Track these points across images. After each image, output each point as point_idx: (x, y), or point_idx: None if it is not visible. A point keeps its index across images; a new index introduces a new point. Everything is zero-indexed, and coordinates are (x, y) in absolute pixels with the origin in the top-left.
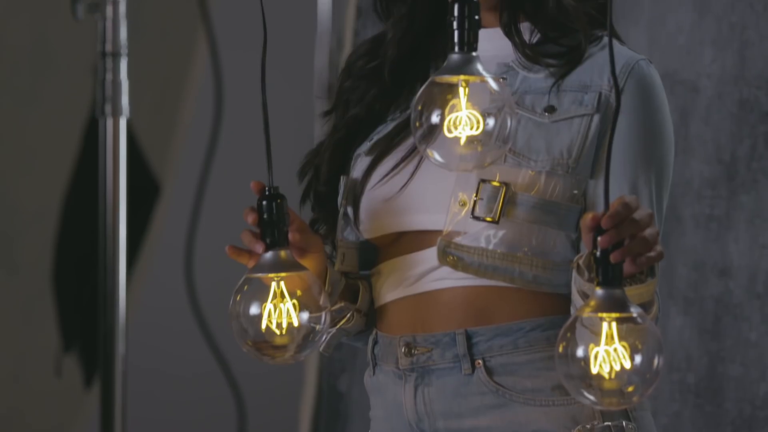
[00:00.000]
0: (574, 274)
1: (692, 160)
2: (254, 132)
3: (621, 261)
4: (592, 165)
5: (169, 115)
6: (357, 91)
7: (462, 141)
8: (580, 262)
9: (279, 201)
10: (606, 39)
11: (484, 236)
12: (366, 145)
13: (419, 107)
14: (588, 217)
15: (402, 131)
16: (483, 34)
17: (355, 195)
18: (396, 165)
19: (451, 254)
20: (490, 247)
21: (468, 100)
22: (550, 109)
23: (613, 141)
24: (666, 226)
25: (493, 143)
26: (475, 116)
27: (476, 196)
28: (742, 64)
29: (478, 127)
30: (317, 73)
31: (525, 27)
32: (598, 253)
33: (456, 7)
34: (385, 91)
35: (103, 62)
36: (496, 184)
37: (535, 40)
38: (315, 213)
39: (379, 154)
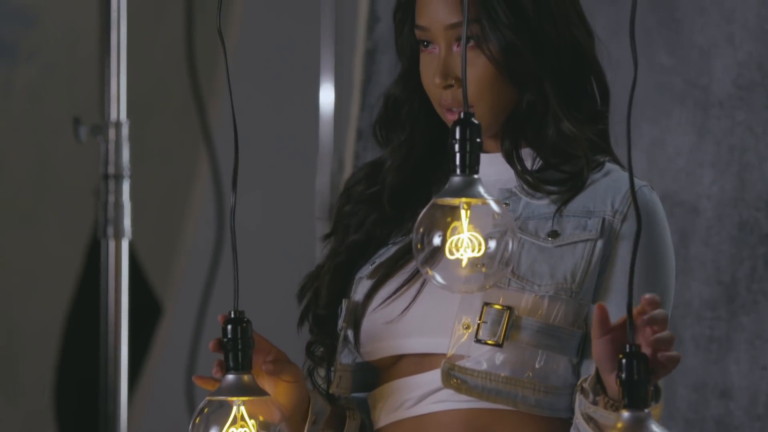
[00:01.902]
0: (579, 396)
1: (692, 281)
2: (255, 254)
3: (646, 383)
4: (595, 290)
5: (171, 237)
6: (357, 216)
7: (464, 263)
8: (585, 384)
9: (243, 325)
10: (608, 165)
11: (488, 360)
12: (368, 269)
13: (421, 229)
14: (603, 321)
15: (404, 255)
16: (485, 158)
17: (356, 318)
18: (398, 288)
19: (455, 377)
20: (494, 370)
21: (470, 222)
22: (554, 234)
23: (618, 267)
24: None
25: (495, 266)
26: (476, 238)
27: (480, 320)
28: (741, 186)
29: (479, 250)
30: (318, 194)
31: (527, 153)
32: (623, 375)
33: (457, 129)
34: (385, 217)
35: (106, 184)
36: (499, 307)
37: (537, 166)
38: (313, 335)
39: (381, 277)
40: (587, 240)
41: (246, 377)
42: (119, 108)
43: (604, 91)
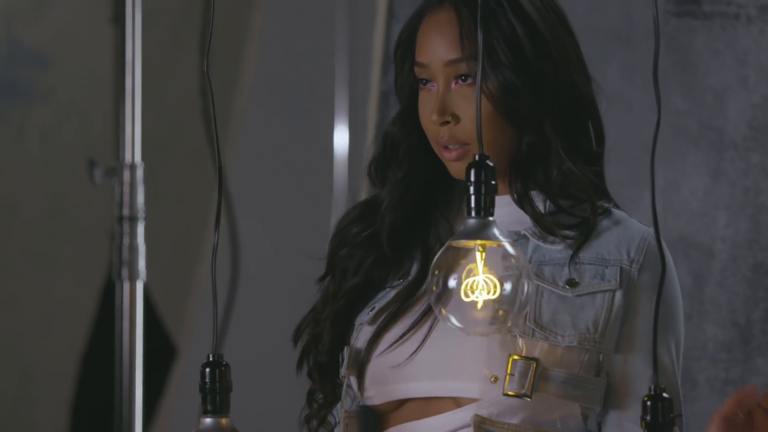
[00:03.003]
0: None
1: (707, 324)
2: (270, 295)
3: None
4: (617, 339)
5: (186, 279)
6: (353, 259)
7: (479, 305)
8: None
9: (221, 368)
10: (616, 213)
11: (515, 412)
12: (368, 314)
13: (436, 271)
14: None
15: (405, 299)
16: None
17: (360, 364)
18: (404, 333)
19: (486, 431)
20: (523, 422)
21: (485, 264)
22: (572, 283)
23: (641, 317)
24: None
25: (511, 308)
26: (492, 281)
27: (508, 372)
28: (756, 228)
29: (495, 292)
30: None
31: (535, 195)
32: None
33: (473, 171)
34: (382, 258)
35: (120, 226)
36: (526, 359)
37: (548, 209)
38: (314, 382)
39: (384, 323)
40: (606, 290)
41: (224, 420)
42: (134, 150)
43: (599, 133)
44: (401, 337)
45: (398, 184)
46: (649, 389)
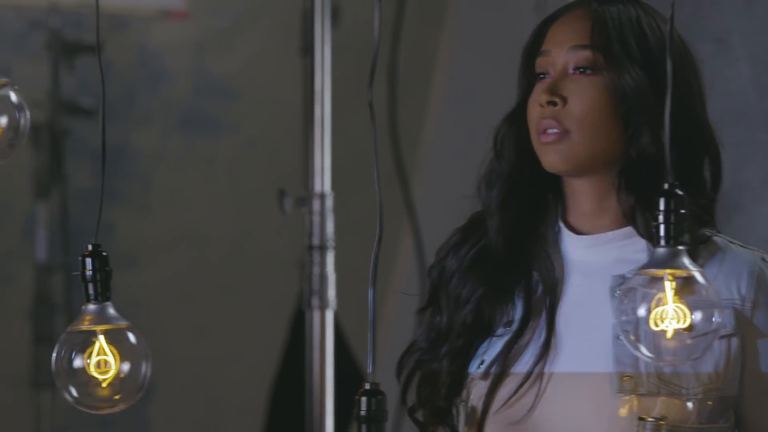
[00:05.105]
0: None
1: None
2: None
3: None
4: (739, 384)
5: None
6: (465, 287)
7: (669, 334)
8: None
9: (378, 397)
10: (717, 240)
11: None
12: (478, 368)
13: (625, 300)
14: None
15: (511, 349)
16: (587, 240)
17: (478, 423)
18: (517, 388)
19: None
20: None
21: (675, 293)
22: (693, 329)
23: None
24: None
25: (700, 338)
26: (682, 310)
27: None
28: None
29: (684, 321)
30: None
31: (624, 233)
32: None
33: (662, 200)
34: (490, 293)
35: (310, 256)
36: (655, 420)
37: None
38: (429, 423)
39: (496, 378)
40: (723, 336)
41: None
42: (323, 180)
43: (716, 175)
44: (515, 392)
45: (505, 180)
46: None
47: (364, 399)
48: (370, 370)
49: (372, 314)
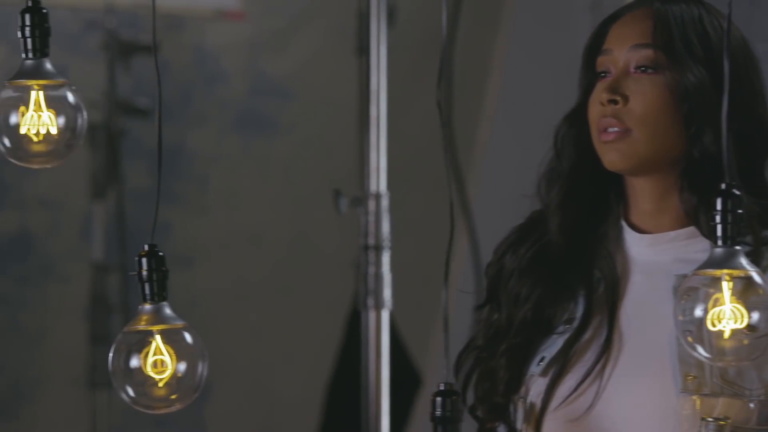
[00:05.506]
0: None
1: None
2: None
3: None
4: None
5: (430, 308)
6: (525, 285)
7: (726, 335)
8: None
9: (453, 398)
10: None
11: None
12: (538, 365)
13: (682, 301)
14: None
15: (572, 347)
16: (649, 239)
17: (536, 419)
18: (577, 386)
19: None
20: None
21: (732, 293)
22: (751, 329)
23: None
24: None
25: (758, 338)
26: (739, 310)
27: None
28: None
29: (742, 321)
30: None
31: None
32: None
33: (719, 200)
34: (551, 291)
35: (366, 256)
36: (717, 421)
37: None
38: (487, 420)
39: (556, 375)
40: None
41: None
42: (379, 180)
43: None
44: (575, 389)
45: (566, 179)
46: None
47: (439, 399)
48: (447, 371)
49: (445, 314)
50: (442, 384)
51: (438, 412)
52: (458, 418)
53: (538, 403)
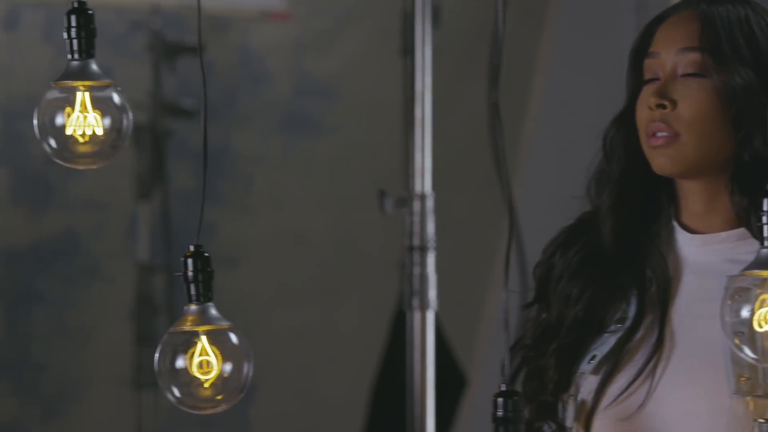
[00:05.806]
0: None
1: None
2: None
3: None
4: None
5: (475, 309)
6: (575, 286)
7: None
8: None
9: (514, 399)
10: None
11: None
12: (589, 363)
13: (729, 302)
14: None
15: (624, 345)
16: (700, 240)
17: (586, 417)
18: (629, 384)
19: None
20: None
21: None
22: None
23: None
24: None
25: None
26: None
27: None
28: None
29: None
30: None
31: (738, 234)
32: None
33: (766, 201)
34: (602, 291)
35: (411, 256)
36: None
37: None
38: (534, 419)
39: (607, 374)
40: None
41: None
42: (424, 180)
43: None
44: (626, 388)
45: (616, 182)
46: None
47: (500, 400)
48: (506, 371)
49: (505, 315)
50: (503, 384)
51: (500, 413)
52: (520, 418)
53: (589, 400)
